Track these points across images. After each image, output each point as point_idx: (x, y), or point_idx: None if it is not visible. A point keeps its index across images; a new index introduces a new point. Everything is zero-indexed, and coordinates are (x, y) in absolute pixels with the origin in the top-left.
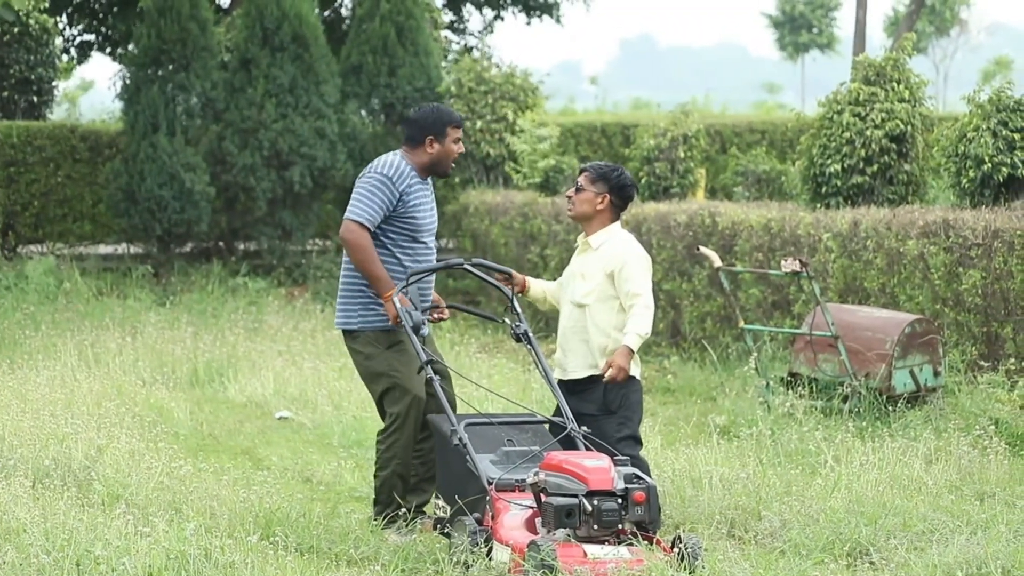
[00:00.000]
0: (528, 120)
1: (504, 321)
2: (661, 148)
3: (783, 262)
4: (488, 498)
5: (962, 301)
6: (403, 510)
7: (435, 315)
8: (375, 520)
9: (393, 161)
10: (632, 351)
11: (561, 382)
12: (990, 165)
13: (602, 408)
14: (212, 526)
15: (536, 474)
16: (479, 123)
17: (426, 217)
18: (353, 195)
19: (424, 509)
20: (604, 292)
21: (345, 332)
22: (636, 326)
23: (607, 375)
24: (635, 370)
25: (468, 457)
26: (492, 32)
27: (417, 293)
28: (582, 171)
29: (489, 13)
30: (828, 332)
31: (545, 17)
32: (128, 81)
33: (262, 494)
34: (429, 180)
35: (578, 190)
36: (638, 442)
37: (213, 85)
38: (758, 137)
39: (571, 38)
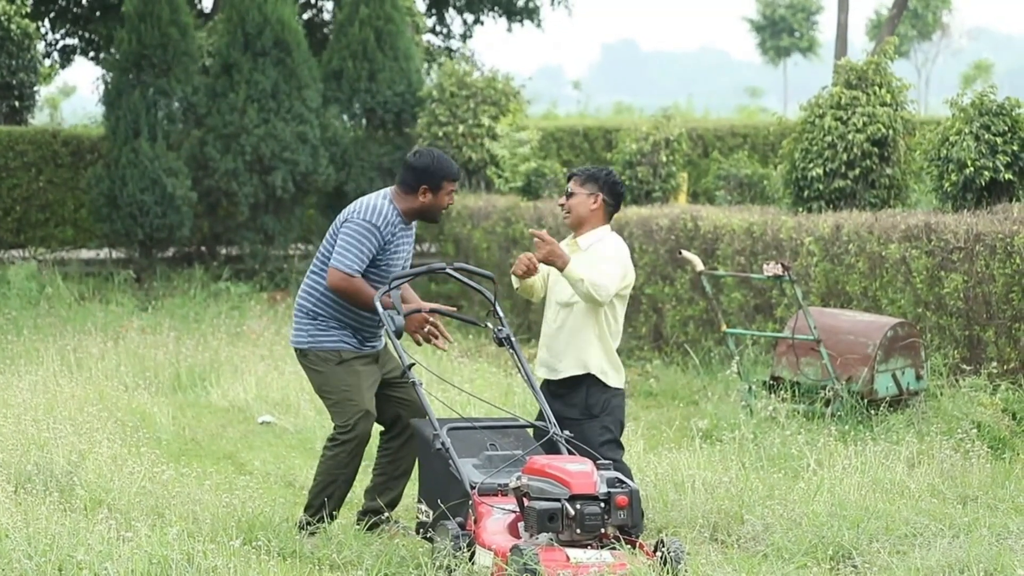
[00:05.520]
0: (506, 124)
1: (486, 325)
2: (643, 152)
3: (765, 266)
4: (471, 502)
5: (944, 305)
6: (328, 521)
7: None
8: (303, 526)
9: (380, 207)
10: (563, 264)
11: (546, 385)
12: (972, 169)
13: (584, 412)
14: (194, 531)
15: (519, 478)
16: (461, 127)
17: (397, 265)
18: (339, 241)
19: (391, 515)
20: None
21: (297, 350)
22: (588, 272)
23: (536, 238)
24: (618, 378)
25: (451, 461)
26: (471, 36)
27: (399, 298)
28: (570, 177)
29: (469, 17)
30: (810, 336)
31: (527, 22)
32: (109, 86)
33: (244, 499)
34: (413, 224)
35: (570, 196)
36: (620, 447)
37: (195, 90)
38: (740, 141)
39: (554, 45)
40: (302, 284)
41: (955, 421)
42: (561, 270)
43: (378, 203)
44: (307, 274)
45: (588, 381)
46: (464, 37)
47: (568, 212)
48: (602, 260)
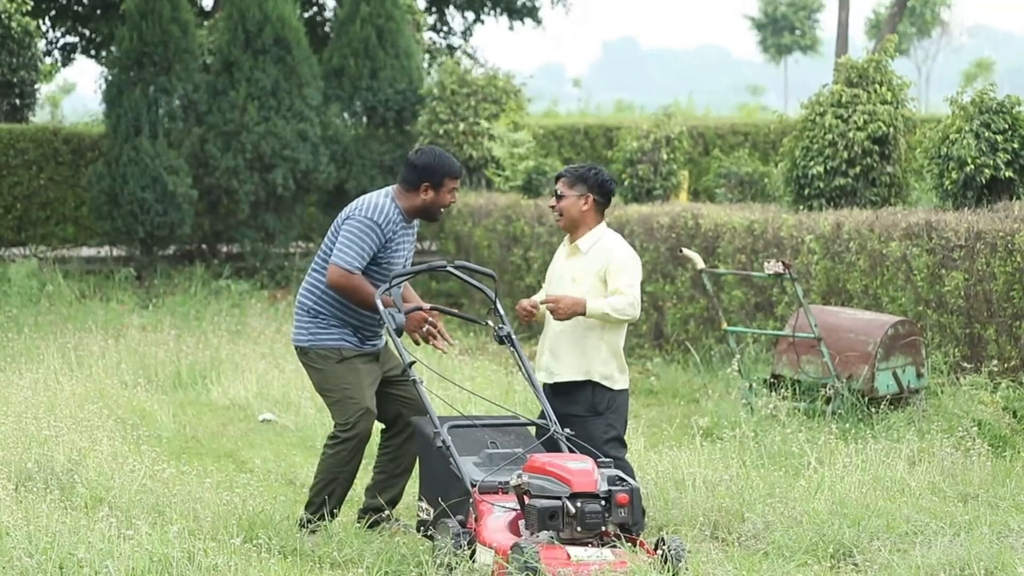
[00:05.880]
0: (502, 125)
1: (487, 323)
2: (644, 150)
3: (766, 264)
4: (471, 500)
5: (945, 303)
6: (329, 519)
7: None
8: (304, 524)
9: (381, 205)
10: (584, 310)
11: (547, 384)
12: (973, 167)
13: (590, 410)
14: (195, 529)
15: (519, 476)
16: (461, 125)
17: (398, 263)
18: (340, 238)
19: (392, 513)
20: (598, 294)
21: (297, 348)
22: (609, 301)
23: (547, 305)
24: (623, 380)
25: (451, 459)
26: (471, 35)
27: (399, 296)
28: (558, 179)
29: (470, 16)
30: (811, 334)
31: (527, 20)
32: (110, 83)
33: (245, 496)
34: (415, 222)
35: (560, 198)
36: (624, 444)
37: (195, 88)
38: (741, 139)
39: (554, 41)
40: (303, 282)
41: (956, 419)
42: (585, 315)
43: (380, 201)
44: (308, 272)
45: (594, 383)
46: (464, 35)
47: (560, 215)
48: (616, 270)
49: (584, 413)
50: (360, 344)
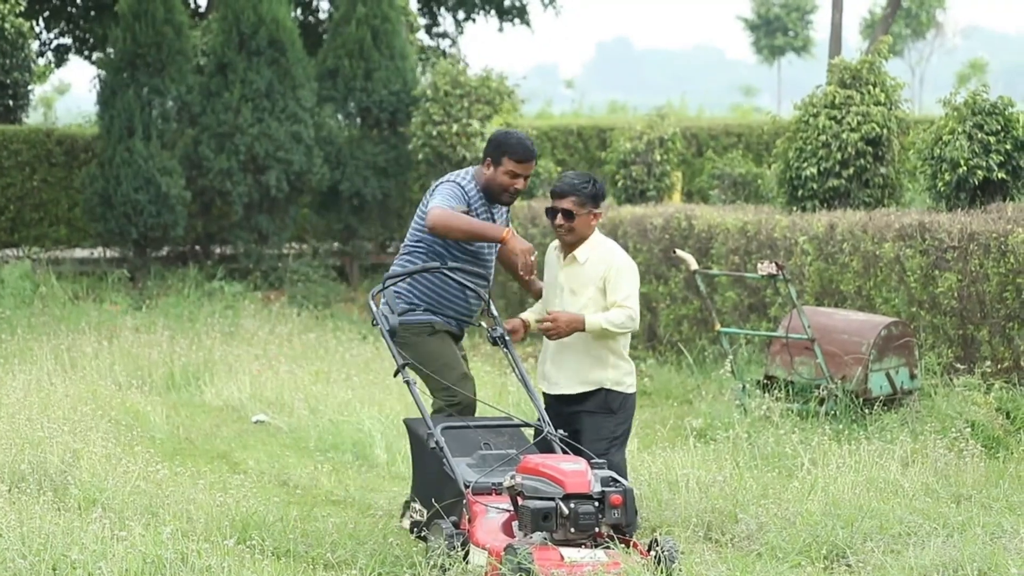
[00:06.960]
0: (498, 125)
1: (480, 325)
2: (637, 151)
3: (759, 265)
4: (465, 501)
5: (938, 304)
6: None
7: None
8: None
9: (461, 176)
10: (583, 326)
11: (551, 394)
12: (966, 168)
13: (602, 407)
14: (188, 530)
15: (513, 477)
16: (455, 127)
17: (485, 248)
18: (432, 201)
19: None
20: (598, 305)
21: (388, 332)
22: (607, 316)
23: (543, 324)
24: (633, 382)
25: (445, 460)
26: (462, 33)
27: (393, 296)
28: (562, 195)
29: (460, 16)
30: (804, 335)
31: (517, 22)
32: (104, 85)
33: (238, 498)
34: (499, 210)
35: (570, 217)
36: (625, 444)
37: (189, 89)
38: (734, 140)
39: (548, 41)
40: (391, 268)
41: (949, 420)
42: (584, 330)
43: (462, 172)
44: (396, 259)
45: (606, 390)
46: (451, 36)
47: (569, 232)
48: (615, 281)
49: (595, 409)
50: (446, 322)
